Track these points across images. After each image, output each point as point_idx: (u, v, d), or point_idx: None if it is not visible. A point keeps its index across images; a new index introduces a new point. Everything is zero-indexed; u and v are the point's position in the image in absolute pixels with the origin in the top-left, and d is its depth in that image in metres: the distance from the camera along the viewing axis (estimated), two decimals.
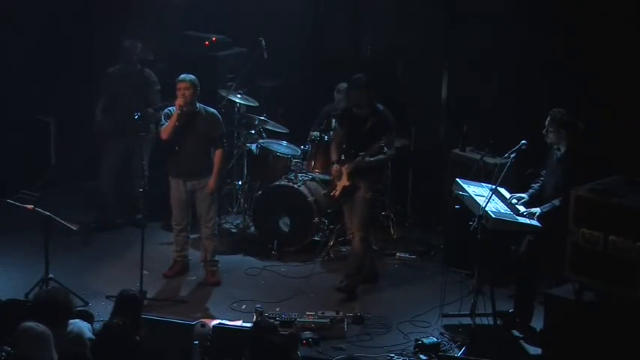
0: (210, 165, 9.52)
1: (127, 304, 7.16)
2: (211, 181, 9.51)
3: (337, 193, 9.56)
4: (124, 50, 10.79)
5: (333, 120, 10.79)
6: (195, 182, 9.52)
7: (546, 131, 8.65)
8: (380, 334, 8.84)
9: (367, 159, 9.29)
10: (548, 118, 8.64)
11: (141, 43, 10.78)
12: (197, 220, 9.77)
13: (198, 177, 9.51)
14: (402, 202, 11.14)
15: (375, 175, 9.55)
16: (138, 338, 6.93)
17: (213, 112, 9.59)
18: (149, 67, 10.93)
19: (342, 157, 9.62)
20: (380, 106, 9.48)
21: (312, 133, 10.76)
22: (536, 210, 8.64)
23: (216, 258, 9.80)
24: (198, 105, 9.48)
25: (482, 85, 10.97)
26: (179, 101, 9.31)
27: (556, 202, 8.57)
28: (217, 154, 9.52)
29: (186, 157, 9.45)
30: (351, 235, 9.69)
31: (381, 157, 9.37)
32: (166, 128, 9.39)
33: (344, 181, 9.48)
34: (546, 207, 8.63)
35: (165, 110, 9.54)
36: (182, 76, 9.42)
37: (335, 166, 9.58)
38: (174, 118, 9.34)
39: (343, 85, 10.83)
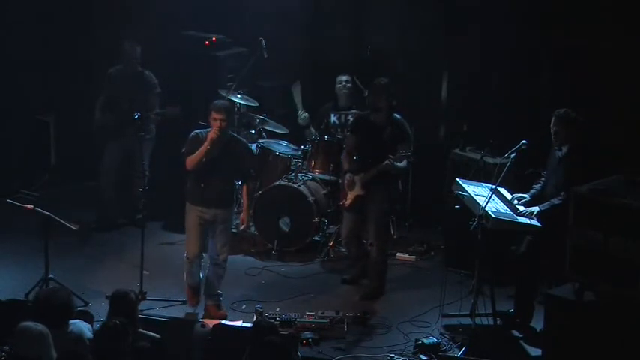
0: (233, 195, 9.05)
1: (121, 302, 7.15)
2: (243, 216, 9.18)
3: (348, 202, 9.38)
4: (124, 52, 10.78)
5: (332, 115, 10.79)
6: (217, 211, 8.82)
7: (555, 133, 8.54)
8: (380, 334, 8.84)
9: (395, 164, 8.99)
10: (554, 120, 8.53)
11: (140, 47, 10.75)
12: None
13: (221, 207, 8.84)
14: (402, 202, 11.13)
15: (390, 184, 9.35)
16: (143, 344, 6.90)
17: (245, 144, 9.06)
18: (150, 69, 10.91)
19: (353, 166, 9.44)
20: (398, 116, 9.28)
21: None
22: (535, 209, 8.63)
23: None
24: (230, 133, 8.91)
25: (482, 86, 10.97)
26: (213, 134, 8.60)
27: (555, 200, 8.55)
28: (245, 190, 9.03)
29: (210, 186, 8.75)
30: (369, 246, 9.46)
31: (402, 165, 9.14)
32: (194, 159, 8.67)
33: (357, 191, 9.27)
34: (545, 206, 8.62)
35: (193, 133, 8.80)
36: (219, 104, 8.80)
37: (348, 176, 9.33)
38: (202, 151, 8.62)
39: (342, 78, 10.81)
